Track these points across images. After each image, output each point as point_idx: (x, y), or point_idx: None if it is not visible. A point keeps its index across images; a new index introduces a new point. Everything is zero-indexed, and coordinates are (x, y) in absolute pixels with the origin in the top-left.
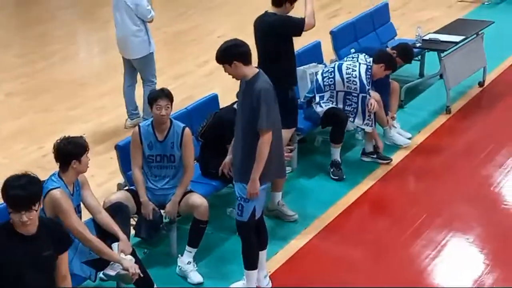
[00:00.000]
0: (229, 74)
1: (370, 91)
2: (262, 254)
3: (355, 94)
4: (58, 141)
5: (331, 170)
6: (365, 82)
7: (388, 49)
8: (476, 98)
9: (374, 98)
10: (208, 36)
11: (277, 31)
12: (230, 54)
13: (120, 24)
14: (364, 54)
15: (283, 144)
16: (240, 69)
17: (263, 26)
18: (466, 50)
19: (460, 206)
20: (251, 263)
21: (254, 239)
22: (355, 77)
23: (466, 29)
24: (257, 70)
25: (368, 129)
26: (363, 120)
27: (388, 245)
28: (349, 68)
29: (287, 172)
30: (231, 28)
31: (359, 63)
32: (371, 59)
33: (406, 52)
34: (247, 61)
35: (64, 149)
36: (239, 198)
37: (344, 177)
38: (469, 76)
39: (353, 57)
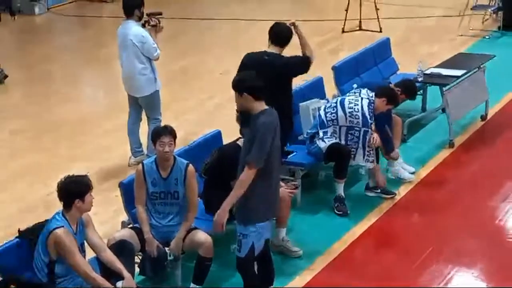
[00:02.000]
0: (237, 103)
1: (372, 125)
2: None
3: (357, 129)
4: (62, 180)
5: (335, 205)
6: (367, 116)
7: (391, 86)
8: (479, 132)
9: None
10: (211, 73)
11: (287, 73)
12: (244, 85)
13: (126, 63)
14: (366, 89)
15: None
16: (249, 102)
17: (266, 67)
18: (468, 84)
19: (466, 239)
20: None
21: (254, 275)
22: (357, 111)
23: (468, 63)
24: (266, 108)
25: (369, 165)
26: (363, 156)
27: (395, 279)
28: (352, 103)
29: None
30: (232, 65)
31: (361, 98)
32: (373, 93)
33: (410, 89)
34: (258, 96)
35: (67, 188)
36: (238, 235)
37: (349, 212)
38: (472, 110)
39: (355, 92)
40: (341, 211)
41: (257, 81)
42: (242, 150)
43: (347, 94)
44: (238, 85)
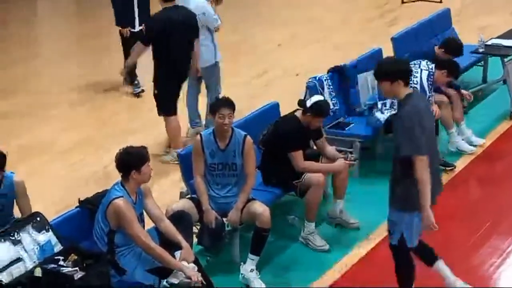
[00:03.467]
0: (383, 90)
1: (431, 98)
2: (438, 265)
3: None
4: (119, 151)
5: None
6: (426, 88)
7: (436, 49)
8: None
9: (441, 100)
10: (266, 45)
11: None
12: (396, 71)
13: None
14: (426, 60)
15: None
16: (398, 88)
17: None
18: None
19: None
20: (402, 284)
21: (404, 265)
22: (416, 83)
23: None
24: (411, 91)
25: None
26: None
27: (453, 252)
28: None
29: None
30: (287, 38)
31: (421, 69)
32: (433, 65)
33: (454, 45)
34: (408, 81)
35: (124, 160)
36: (390, 222)
37: None
38: None
39: (415, 63)
40: None
41: (407, 64)
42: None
43: None
44: (388, 73)
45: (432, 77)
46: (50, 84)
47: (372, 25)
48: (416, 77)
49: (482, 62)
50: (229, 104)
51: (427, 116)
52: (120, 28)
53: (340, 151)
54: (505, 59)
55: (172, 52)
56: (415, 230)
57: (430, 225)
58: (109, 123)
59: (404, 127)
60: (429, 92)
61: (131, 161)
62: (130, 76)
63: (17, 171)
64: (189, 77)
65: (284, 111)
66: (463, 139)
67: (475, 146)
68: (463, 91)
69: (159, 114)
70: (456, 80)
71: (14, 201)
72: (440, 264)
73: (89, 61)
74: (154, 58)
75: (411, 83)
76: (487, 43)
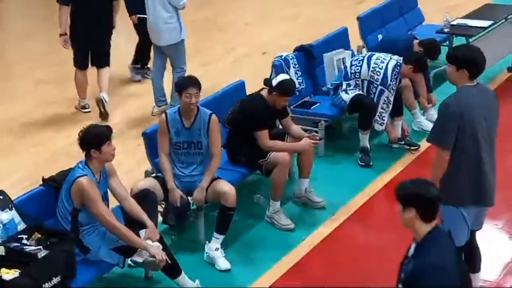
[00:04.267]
0: (449, 73)
1: (392, 88)
2: (474, 277)
3: (376, 85)
4: (82, 129)
5: (360, 156)
6: (388, 76)
7: (415, 42)
8: (505, 83)
9: (404, 84)
10: (235, 23)
11: None
12: (467, 60)
13: (152, 11)
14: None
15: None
16: (460, 76)
17: None
18: (494, 35)
19: None
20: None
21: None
22: (381, 68)
23: (495, 14)
24: (474, 83)
25: (377, 127)
26: (374, 116)
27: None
28: (378, 59)
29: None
30: (256, 16)
31: (390, 58)
32: (401, 58)
33: (432, 50)
34: (474, 75)
35: (83, 138)
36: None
37: (371, 163)
38: (498, 61)
39: (386, 53)
40: (364, 162)
41: (481, 59)
42: None
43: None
44: (458, 59)
45: (398, 68)
46: (16, 60)
47: (343, 3)
48: (383, 62)
49: (448, 42)
50: (195, 83)
51: (471, 114)
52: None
53: (305, 130)
54: (470, 39)
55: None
56: (460, 226)
57: None
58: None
59: (439, 114)
60: (390, 81)
61: (91, 140)
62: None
63: None
64: (154, 55)
65: (250, 89)
66: (426, 119)
67: None
68: (432, 96)
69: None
70: (426, 72)
71: None
72: (474, 278)
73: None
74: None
75: (375, 66)
76: (452, 23)
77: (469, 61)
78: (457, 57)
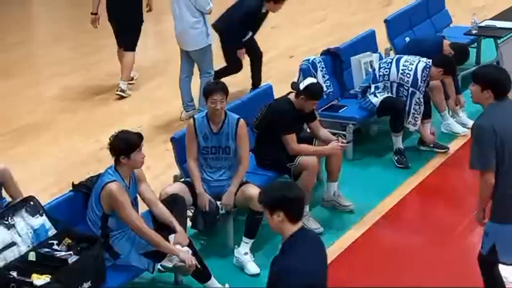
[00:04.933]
0: (472, 93)
1: (422, 89)
2: None
3: (406, 87)
4: (113, 134)
5: (395, 158)
6: (419, 77)
7: (445, 44)
8: None
9: (434, 85)
10: (261, 27)
11: None
12: (490, 79)
13: (178, 16)
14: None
15: None
16: (485, 96)
17: None
18: None
19: None
20: None
21: (492, 278)
22: (410, 70)
23: None
24: (494, 103)
25: (411, 128)
26: (408, 117)
27: (447, 234)
28: (407, 61)
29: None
30: (282, 20)
31: (419, 60)
32: (431, 60)
33: (463, 55)
34: (499, 96)
35: (113, 145)
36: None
37: (410, 164)
38: None
39: (415, 56)
40: (401, 164)
41: (505, 78)
42: None
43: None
44: (482, 79)
45: (427, 70)
46: (44, 66)
47: (370, 6)
48: (412, 64)
49: (476, 44)
50: (221, 89)
51: (505, 131)
52: None
53: (333, 134)
54: (499, 41)
55: None
56: (509, 244)
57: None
58: (105, 105)
59: (473, 138)
60: (421, 83)
61: (120, 146)
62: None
63: (14, 153)
64: (181, 60)
65: (278, 94)
66: (455, 121)
67: (468, 128)
68: (460, 98)
69: None
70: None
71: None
72: None
73: (81, 44)
74: None
75: (405, 69)
76: (480, 24)
77: (495, 81)
78: (482, 77)
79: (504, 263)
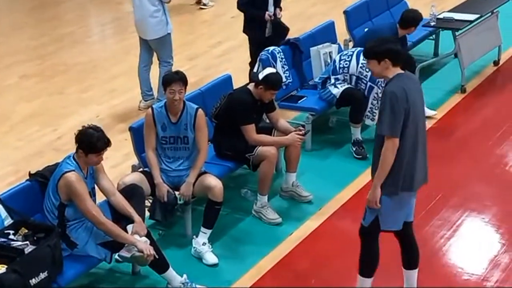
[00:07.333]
0: (371, 69)
1: (381, 85)
2: (409, 274)
3: (365, 81)
4: (84, 126)
5: (354, 149)
6: None
7: (398, 28)
8: (491, 77)
9: None
10: (221, 17)
11: None
12: (385, 51)
13: (138, 5)
14: None
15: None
16: (386, 68)
17: None
18: (481, 29)
19: (476, 185)
20: (363, 270)
21: (374, 249)
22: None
23: (481, 7)
24: (401, 72)
25: (369, 122)
26: (365, 111)
27: None
28: None
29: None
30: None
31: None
32: None
33: (409, 18)
34: (397, 62)
35: (77, 138)
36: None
37: (368, 155)
38: (484, 55)
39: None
40: (360, 154)
41: (395, 43)
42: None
43: None
44: (378, 53)
45: None
46: (2, 55)
47: None
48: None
49: (434, 36)
50: (180, 79)
51: (412, 98)
52: None
53: (291, 124)
54: (457, 33)
55: None
56: (390, 214)
57: (373, 204)
58: (63, 94)
59: (383, 106)
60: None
61: (82, 141)
62: None
63: None
64: (140, 49)
65: (237, 84)
66: None
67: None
68: None
69: None
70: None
71: None
72: (409, 274)
73: (40, 33)
74: None
75: (365, 63)
76: (438, 16)
77: (387, 49)
78: (374, 51)
79: (385, 231)
